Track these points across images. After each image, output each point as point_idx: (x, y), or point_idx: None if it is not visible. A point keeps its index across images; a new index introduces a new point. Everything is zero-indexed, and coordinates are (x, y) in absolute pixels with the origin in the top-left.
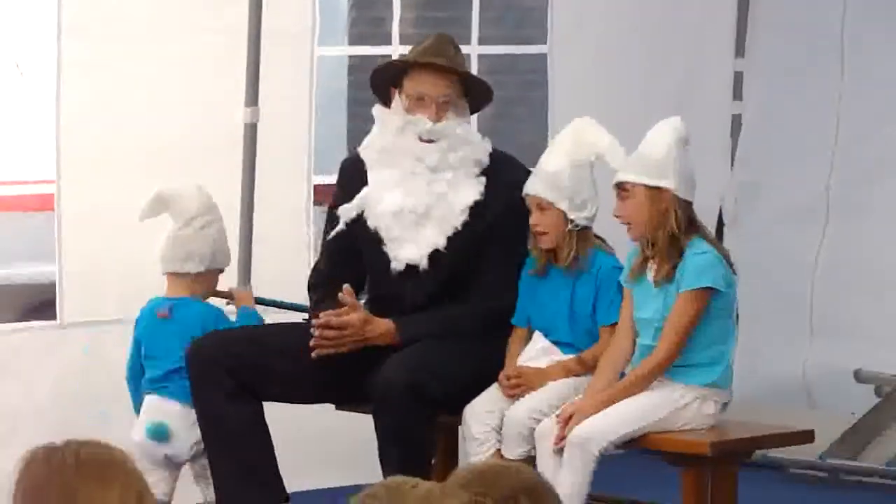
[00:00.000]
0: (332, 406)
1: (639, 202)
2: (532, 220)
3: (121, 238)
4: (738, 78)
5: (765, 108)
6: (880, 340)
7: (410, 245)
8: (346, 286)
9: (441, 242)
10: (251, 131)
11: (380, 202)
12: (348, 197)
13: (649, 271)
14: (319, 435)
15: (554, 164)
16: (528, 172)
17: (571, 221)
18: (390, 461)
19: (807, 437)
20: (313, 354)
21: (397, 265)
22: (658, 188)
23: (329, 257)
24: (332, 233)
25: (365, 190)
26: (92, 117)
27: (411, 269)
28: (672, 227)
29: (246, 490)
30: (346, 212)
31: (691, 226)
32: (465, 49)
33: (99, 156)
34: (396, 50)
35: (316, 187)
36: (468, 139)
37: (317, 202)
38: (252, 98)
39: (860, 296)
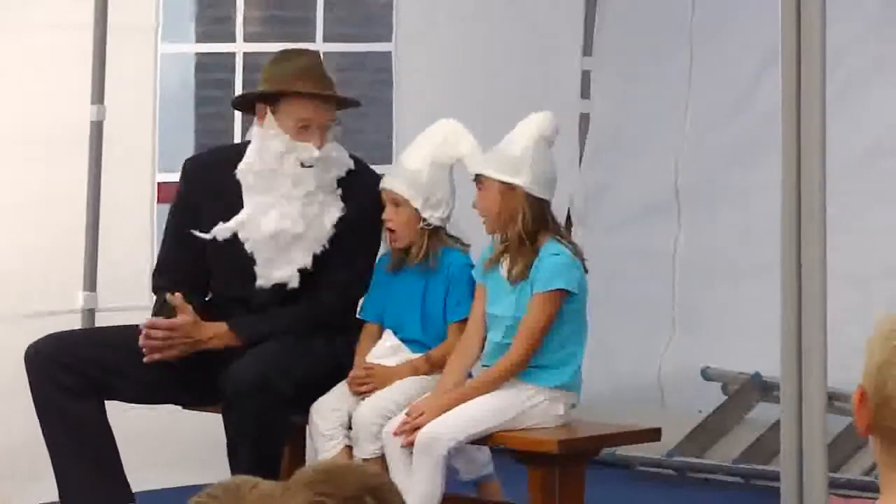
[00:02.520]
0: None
1: (492, 196)
2: (385, 215)
3: None
4: (586, 76)
5: (613, 105)
6: (730, 337)
7: (282, 267)
8: (177, 295)
9: (308, 262)
10: (97, 129)
11: (258, 226)
12: (200, 198)
13: (502, 266)
14: (165, 434)
15: (414, 162)
16: (373, 172)
17: (424, 220)
18: (241, 460)
19: (653, 435)
20: (145, 359)
21: (264, 283)
22: (511, 185)
23: (176, 251)
24: (200, 234)
25: (243, 213)
26: None
27: (276, 287)
28: (521, 224)
29: (90, 490)
30: (222, 232)
31: (545, 225)
32: (310, 47)
33: None
34: (241, 48)
35: (160, 185)
36: (339, 160)
37: (161, 200)
38: (98, 96)
39: (714, 291)
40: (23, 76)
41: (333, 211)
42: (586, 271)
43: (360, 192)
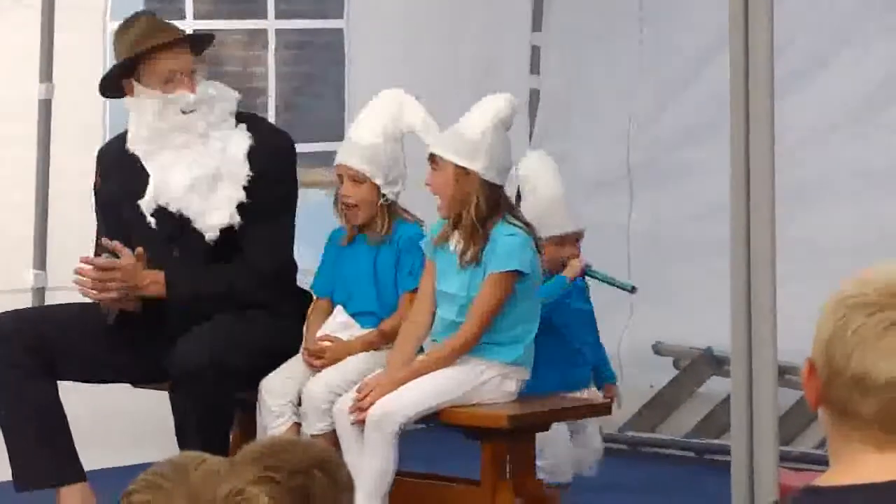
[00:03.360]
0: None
1: (446, 178)
2: (344, 192)
3: None
4: (536, 52)
5: (563, 81)
6: (683, 312)
7: (216, 211)
8: (115, 242)
9: (241, 195)
10: (45, 107)
11: (170, 184)
12: (112, 186)
13: (454, 246)
14: (116, 412)
15: (369, 137)
16: (279, 130)
17: (384, 196)
18: (189, 439)
19: (604, 409)
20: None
21: (212, 234)
22: (466, 169)
23: (101, 234)
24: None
25: (152, 181)
26: None
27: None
28: (473, 211)
29: (42, 468)
30: (147, 206)
31: (496, 209)
32: (262, 24)
33: None
34: (192, 25)
35: None
36: (222, 95)
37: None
38: (46, 73)
39: (666, 267)
40: None
41: (239, 141)
42: (538, 250)
43: (265, 144)
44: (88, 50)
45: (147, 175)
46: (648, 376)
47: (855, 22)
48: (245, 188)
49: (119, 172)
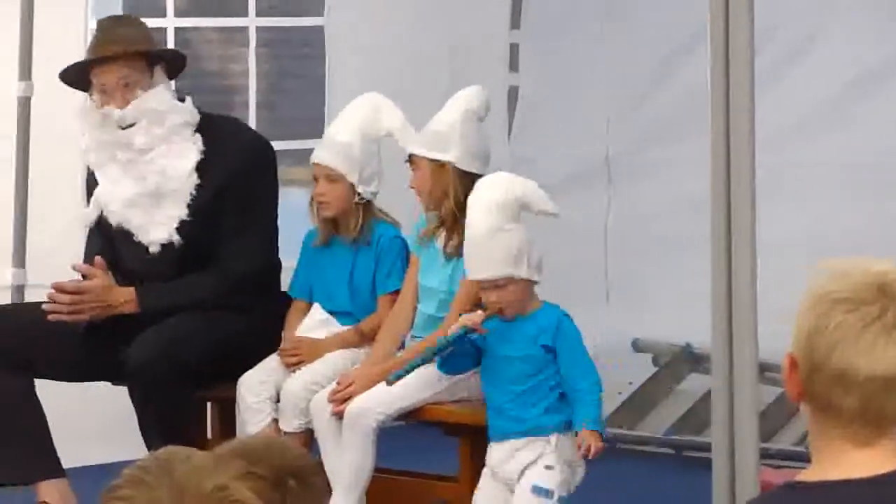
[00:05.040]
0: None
1: (423, 175)
2: (318, 190)
3: None
4: (515, 49)
5: (541, 78)
6: (661, 309)
7: (157, 227)
8: (97, 258)
9: (183, 213)
10: (25, 105)
11: (113, 198)
12: (91, 190)
13: (439, 240)
14: (95, 409)
15: (345, 135)
16: (252, 132)
17: (358, 194)
18: (149, 432)
19: None
20: (49, 317)
21: (154, 248)
22: (440, 162)
23: (91, 243)
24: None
25: (97, 191)
26: None
27: (165, 248)
28: (452, 201)
29: (21, 465)
30: (87, 216)
31: None
32: (242, 22)
33: None
34: (172, 23)
35: None
36: (169, 107)
37: None
38: (25, 72)
39: (644, 263)
40: None
41: (187, 157)
42: None
43: (233, 149)
44: (68, 47)
45: (97, 184)
46: (627, 373)
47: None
48: (204, 195)
49: (91, 179)
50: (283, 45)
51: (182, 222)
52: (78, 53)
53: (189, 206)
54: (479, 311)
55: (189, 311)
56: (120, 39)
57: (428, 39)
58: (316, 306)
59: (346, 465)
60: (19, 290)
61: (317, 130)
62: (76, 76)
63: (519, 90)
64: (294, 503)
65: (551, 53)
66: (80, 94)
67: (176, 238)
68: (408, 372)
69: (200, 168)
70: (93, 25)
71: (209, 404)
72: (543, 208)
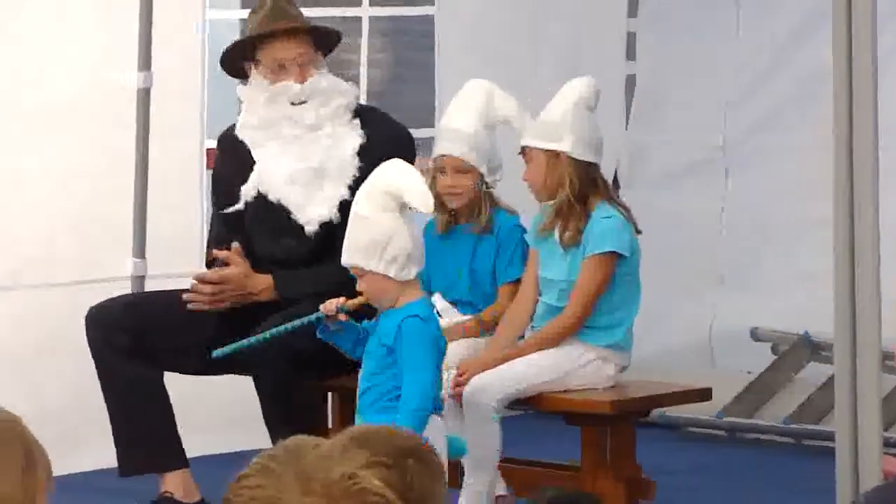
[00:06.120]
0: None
1: (538, 166)
2: (449, 182)
3: (10, 204)
4: (632, 38)
5: (658, 66)
6: (779, 297)
7: (317, 206)
8: (234, 244)
9: (345, 193)
10: (144, 96)
11: (273, 175)
12: (230, 169)
13: (556, 232)
14: (219, 400)
15: (469, 126)
16: (398, 124)
17: (486, 184)
18: (274, 423)
19: (704, 395)
20: (189, 307)
21: (311, 227)
22: (554, 152)
23: (220, 221)
24: (230, 209)
25: (256, 168)
26: None
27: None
28: (567, 191)
29: (146, 455)
30: (245, 193)
31: (595, 188)
32: (355, 11)
33: None
34: None
35: (209, 151)
36: (337, 89)
37: (210, 167)
38: (144, 62)
39: (761, 250)
40: (69, 43)
41: (350, 139)
42: (639, 232)
43: (387, 137)
44: (187, 38)
45: (253, 162)
46: (745, 362)
47: None
48: (353, 185)
49: (232, 157)
50: (396, 35)
51: (342, 202)
52: (196, 45)
53: (350, 188)
54: (342, 298)
55: (315, 299)
56: (292, 18)
57: (544, 28)
58: (437, 296)
59: (472, 447)
60: (140, 280)
61: (427, 119)
62: (239, 53)
63: (636, 78)
64: (418, 482)
65: (668, 41)
66: (198, 85)
67: (336, 217)
68: (238, 348)
69: (361, 153)
70: (211, 16)
71: (329, 394)
72: (415, 205)
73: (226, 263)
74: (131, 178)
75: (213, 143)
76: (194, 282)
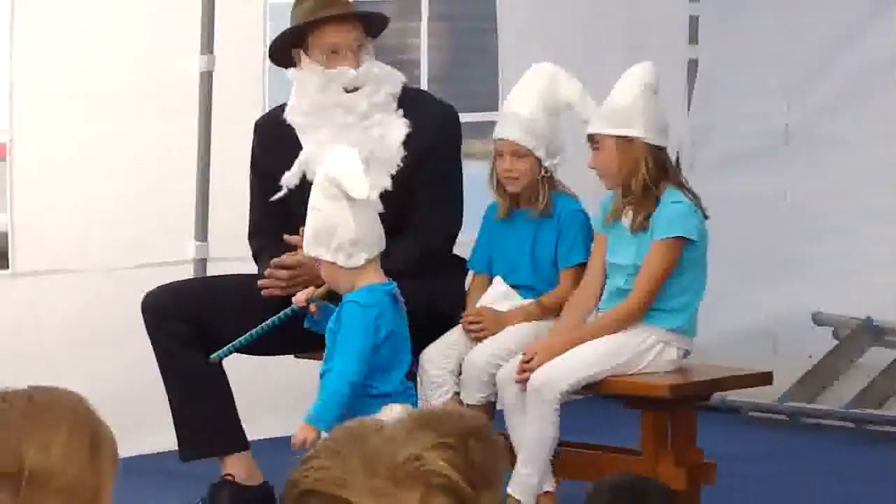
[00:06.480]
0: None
1: (609, 153)
2: (506, 166)
3: (73, 187)
4: (694, 22)
5: (720, 50)
6: (841, 282)
7: None
8: (301, 229)
9: (387, 183)
10: (206, 79)
11: (320, 162)
12: (271, 155)
13: (625, 217)
14: (279, 382)
15: (528, 110)
16: (443, 103)
17: (544, 168)
18: None
19: (765, 379)
20: (263, 293)
21: None
22: (627, 137)
23: (263, 210)
24: (276, 197)
25: (303, 153)
26: (46, 66)
27: None
28: (644, 173)
29: (206, 438)
30: (289, 178)
31: (665, 172)
32: None
33: (52, 105)
34: None
35: None
36: (387, 76)
37: None
38: (207, 46)
39: (824, 236)
40: (132, 27)
41: (398, 129)
42: (706, 218)
43: (430, 121)
44: (249, 22)
45: (300, 148)
46: (807, 347)
47: None
48: (396, 175)
49: (276, 144)
50: (458, 19)
51: (385, 192)
52: (258, 29)
53: (392, 177)
54: (311, 288)
55: None
56: (344, 4)
57: (606, 12)
58: (498, 279)
59: (530, 434)
60: (202, 263)
61: (490, 103)
62: (289, 40)
63: (698, 63)
64: (481, 463)
65: (730, 25)
66: (259, 68)
67: (379, 209)
68: (232, 350)
69: (406, 143)
70: (272, 0)
71: None
72: (349, 191)
73: (296, 248)
74: (193, 162)
75: None
76: (272, 270)
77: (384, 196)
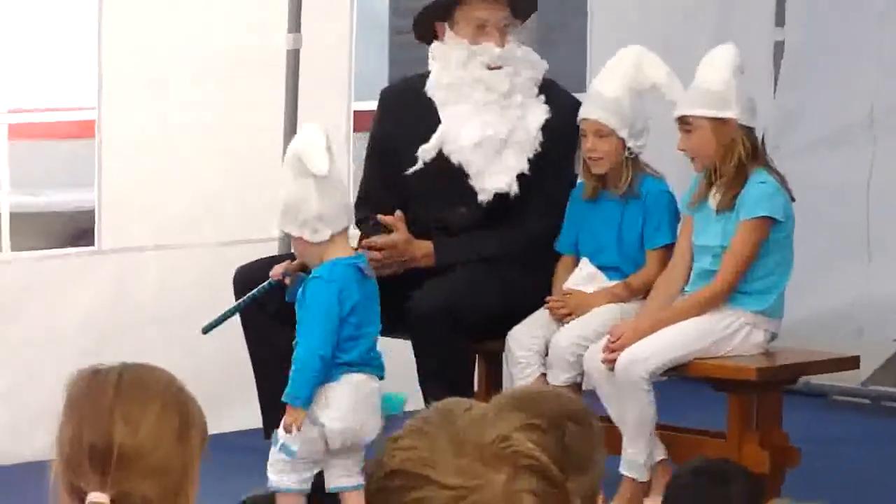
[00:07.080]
0: None
1: (704, 135)
2: (589, 146)
3: (160, 165)
4: (781, 4)
5: (808, 32)
6: None
7: (496, 175)
8: (397, 212)
9: (524, 166)
10: (293, 57)
11: (459, 137)
12: (395, 127)
13: (712, 198)
14: None
15: (612, 90)
16: (572, 96)
17: (628, 149)
18: (430, 386)
19: (852, 363)
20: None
21: (485, 196)
22: (722, 119)
23: (376, 181)
24: (410, 171)
25: (441, 127)
26: (134, 44)
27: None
28: (740, 154)
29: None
30: (426, 152)
31: (757, 153)
32: None
33: (139, 83)
34: None
35: (356, 114)
36: (530, 60)
37: (357, 129)
38: (294, 24)
39: None
40: (221, 6)
41: (537, 113)
42: (793, 200)
43: (560, 110)
44: (335, 1)
45: (438, 122)
46: (892, 331)
47: None
48: (533, 159)
49: (408, 115)
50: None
51: (520, 175)
52: (346, 7)
53: (530, 161)
54: (286, 262)
55: (473, 263)
56: None
57: None
58: (584, 261)
59: (629, 416)
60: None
61: (579, 84)
62: (433, 14)
63: (784, 44)
64: (575, 445)
65: (819, 8)
66: (346, 47)
67: (514, 189)
68: (220, 321)
69: (544, 129)
70: None
71: (476, 357)
72: (309, 166)
73: (389, 229)
74: (281, 139)
75: (360, 106)
76: (363, 250)
77: (520, 178)
